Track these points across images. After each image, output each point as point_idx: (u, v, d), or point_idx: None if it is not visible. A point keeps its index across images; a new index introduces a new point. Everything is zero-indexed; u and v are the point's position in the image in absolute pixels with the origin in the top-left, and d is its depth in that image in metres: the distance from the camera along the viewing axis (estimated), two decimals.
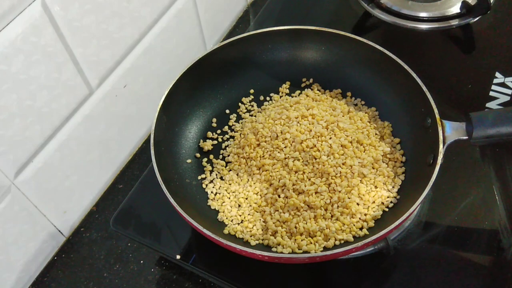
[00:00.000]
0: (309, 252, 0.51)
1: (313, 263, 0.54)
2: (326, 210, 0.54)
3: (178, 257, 0.57)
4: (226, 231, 0.54)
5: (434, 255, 0.56)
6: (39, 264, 0.64)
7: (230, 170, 0.60)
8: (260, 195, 0.57)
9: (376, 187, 0.56)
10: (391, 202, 0.55)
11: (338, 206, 0.54)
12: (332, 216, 0.54)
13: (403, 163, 0.58)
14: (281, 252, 0.51)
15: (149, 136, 0.56)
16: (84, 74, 0.60)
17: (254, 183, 0.58)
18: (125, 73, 0.66)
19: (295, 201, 0.54)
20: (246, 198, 0.57)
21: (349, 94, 0.66)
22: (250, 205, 0.56)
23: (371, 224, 0.53)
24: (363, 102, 0.65)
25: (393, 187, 0.56)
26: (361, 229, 0.53)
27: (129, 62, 0.67)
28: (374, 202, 0.55)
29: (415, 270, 0.55)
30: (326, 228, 0.52)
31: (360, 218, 0.54)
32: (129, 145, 0.75)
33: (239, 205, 0.57)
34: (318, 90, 0.67)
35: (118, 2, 0.60)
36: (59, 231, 0.65)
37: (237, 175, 0.59)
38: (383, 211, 0.54)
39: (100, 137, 0.67)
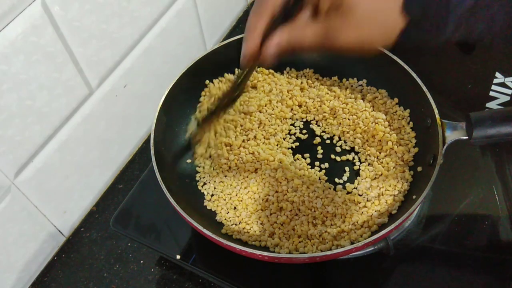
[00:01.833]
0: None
1: (313, 263, 0.54)
2: (326, 217, 0.54)
3: (178, 257, 0.57)
4: (223, 231, 0.54)
5: (434, 255, 0.56)
6: (39, 264, 0.64)
7: (226, 171, 0.60)
8: (254, 199, 0.57)
9: (382, 194, 0.55)
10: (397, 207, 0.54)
11: (341, 217, 0.53)
12: (332, 225, 0.53)
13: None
14: (279, 252, 0.51)
15: (149, 136, 0.56)
16: (84, 74, 0.60)
17: (248, 185, 0.58)
18: (125, 73, 0.66)
19: (287, 205, 0.54)
20: (241, 200, 0.57)
21: (351, 81, 0.66)
22: (246, 207, 0.56)
23: (375, 228, 0.52)
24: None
25: (399, 192, 0.55)
26: (361, 235, 0.52)
27: (129, 62, 0.67)
28: (378, 211, 0.54)
29: (415, 270, 0.55)
30: (325, 232, 0.52)
31: (362, 226, 0.53)
32: (129, 145, 0.75)
33: (235, 207, 0.57)
34: (316, 78, 0.67)
35: (118, 2, 0.60)
36: (59, 231, 0.65)
37: (234, 176, 0.59)
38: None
39: (100, 137, 0.67)
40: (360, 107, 0.62)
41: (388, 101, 0.62)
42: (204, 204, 0.58)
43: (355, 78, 0.66)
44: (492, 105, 0.68)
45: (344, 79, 0.66)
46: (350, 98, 0.64)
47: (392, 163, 0.57)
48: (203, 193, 0.59)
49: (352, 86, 0.65)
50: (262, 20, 0.43)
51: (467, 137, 0.52)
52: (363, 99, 0.64)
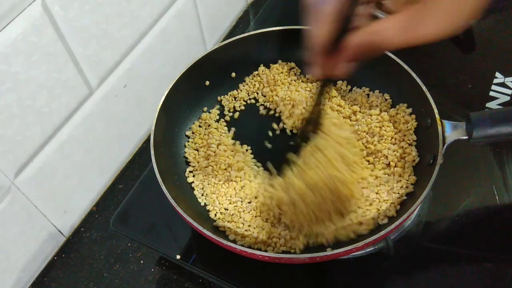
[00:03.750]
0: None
1: (313, 263, 0.54)
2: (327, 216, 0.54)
3: (178, 257, 0.57)
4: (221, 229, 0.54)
5: (434, 255, 0.56)
6: (39, 264, 0.64)
7: (224, 169, 0.60)
8: (253, 199, 0.56)
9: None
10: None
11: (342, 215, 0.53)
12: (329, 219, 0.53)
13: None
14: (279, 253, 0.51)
15: (149, 136, 0.56)
16: (84, 74, 0.60)
17: (246, 186, 0.57)
18: (125, 73, 0.66)
19: (287, 208, 0.54)
20: (240, 200, 0.57)
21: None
22: (246, 207, 0.56)
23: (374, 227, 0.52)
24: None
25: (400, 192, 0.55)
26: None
27: (129, 62, 0.67)
28: (379, 210, 0.54)
29: (415, 270, 0.55)
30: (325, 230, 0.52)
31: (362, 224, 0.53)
32: (129, 145, 0.75)
33: (231, 207, 0.57)
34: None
35: (118, 2, 0.60)
36: (59, 231, 0.66)
37: (232, 175, 0.59)
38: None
39: (100, 137, 0.67)
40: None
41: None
42: (204, 204, 0.57)
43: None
44: (492, 105, 0.68)
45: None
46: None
47: (392, 162, 0.57)
48: (201, 193, 0.58)
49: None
50: (325, 26, 0.40)
51: (467, 137, 0.52)
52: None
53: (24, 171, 0.57)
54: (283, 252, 0.52)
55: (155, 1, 0.67)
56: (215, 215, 0.56)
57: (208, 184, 0.58)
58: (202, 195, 0.58)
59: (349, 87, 0.66)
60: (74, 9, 0.54)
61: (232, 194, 0.57)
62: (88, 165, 0.67)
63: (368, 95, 0.64)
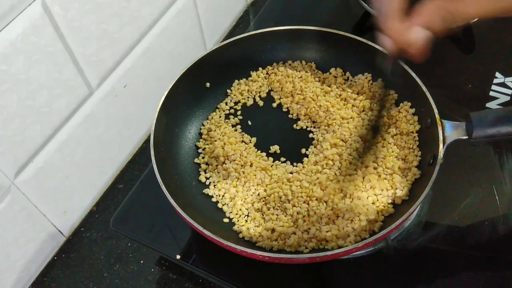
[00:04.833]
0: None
1: (313, 263, 0.54)
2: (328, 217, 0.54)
3: (178, 257, 0.57)
4: (226, 231, 0.54)
5: (434, 255, 0.56)
6: (39, 264, 0.64)
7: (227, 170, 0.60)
8: (251, 203, 0.56)
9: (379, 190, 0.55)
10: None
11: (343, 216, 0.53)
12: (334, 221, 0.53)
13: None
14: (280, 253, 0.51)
15: (149, 136, 0.56)
16: (84, 74, 0.60)
17: (250, 185, 0.57)
18: (125, 73, 0.66)
19: (291, 206, 0.54)
20: (243, 200, 0.57)
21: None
22: (247, 208, 0.56)
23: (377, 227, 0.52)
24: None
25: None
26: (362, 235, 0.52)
27: (129, 62, 0.67)
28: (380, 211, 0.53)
29: (415, 270, 0.55)
30: (327, 232, 0.52)
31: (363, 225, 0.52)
32: (129, 145, 0.75)
33: (236, 205, 0.57)
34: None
35: (118, 2, 0.60)
36: (59, 231, 0.66)
37: (235, 175, 0.59)
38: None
39: (100, 137, 0.67)
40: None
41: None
42: (204, 204, 0.57)
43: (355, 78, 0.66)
44: (492, 105, 0.68)
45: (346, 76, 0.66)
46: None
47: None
48: (204, 192, 0.58)
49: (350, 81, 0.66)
50: None
51: (467, 137, 0.52)
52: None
53: (24, 171, 0.57)
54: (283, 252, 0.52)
55: (155, 1, 0.67)
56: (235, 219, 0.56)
57: (213, 184, 0.59)
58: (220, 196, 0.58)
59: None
60: (74, 9, 0.54)
61: (236, 191, 0.57)
62: (88, 165, 0.67)
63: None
